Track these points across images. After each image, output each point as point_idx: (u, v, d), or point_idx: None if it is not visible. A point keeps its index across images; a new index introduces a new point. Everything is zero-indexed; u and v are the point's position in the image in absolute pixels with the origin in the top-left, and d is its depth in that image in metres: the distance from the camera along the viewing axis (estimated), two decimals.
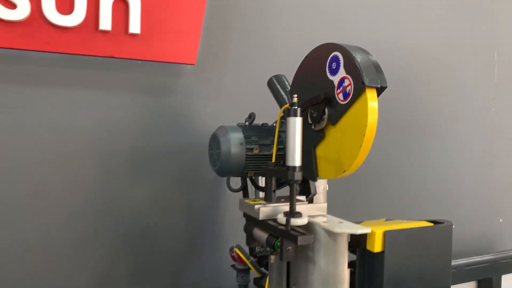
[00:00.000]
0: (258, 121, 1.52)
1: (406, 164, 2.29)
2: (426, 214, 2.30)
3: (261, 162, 1.37)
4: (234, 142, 1.35)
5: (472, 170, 2.49)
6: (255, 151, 1.37)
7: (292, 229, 1.06)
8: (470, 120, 2.47)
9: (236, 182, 1.51)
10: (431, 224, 1.15)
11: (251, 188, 1.52)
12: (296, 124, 1.10)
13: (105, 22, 1.56)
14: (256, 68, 1.87)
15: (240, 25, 1.86)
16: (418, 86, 2.30)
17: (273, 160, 1.25)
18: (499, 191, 2.58)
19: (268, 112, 1.48)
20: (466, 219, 2.46)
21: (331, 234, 1.09)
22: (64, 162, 1.59)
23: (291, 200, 1.10)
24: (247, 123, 1.49)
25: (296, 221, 1.07)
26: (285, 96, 1.42)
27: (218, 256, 1.82)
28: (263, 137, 1.40)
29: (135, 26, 1.60)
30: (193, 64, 1.74)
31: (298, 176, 1.08)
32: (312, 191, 1.34)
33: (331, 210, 1.38)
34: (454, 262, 1.80)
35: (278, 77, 1.46)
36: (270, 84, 1.47)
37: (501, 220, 2.60)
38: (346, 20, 2.11)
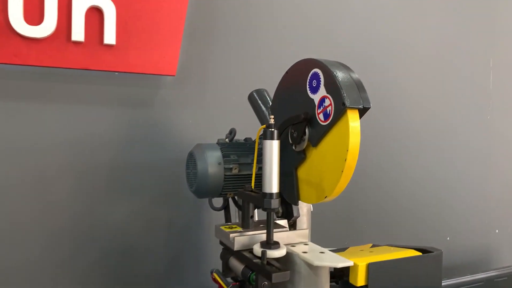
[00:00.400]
0: (242, 135, 1.44)
1: (399, 174, 2.21)
2: (420, 227, 2.26)
3: (241, 183, 1.29)
4: (212, 162, 1.27)
5: (468, 180, 2.42)
6: (235, 171, 1.29)
7: (268, 263, 0.98)
8: (465, 129, 2.40)
9: (219, 199, 1.43)
10: (419, 254, 1.07)
11: (233, 207, 1.44)
12: (273, 148, 1.02)
13: (78, 32, 1.48)
14: (240, 79, 1.79)
15: (222, 34, 1.78)
16: (412, 94, 2.23)
17: (253, 185, 1.16)
18: (495, 201, 2.51)
19: (252, 125, 1.40)
20: (462, 230, 2.40)
21: (312, 266, 1.01)
22: (37, 180, 1.51)
23: (268, 229, 1.02)
24: (227, 139, 1.41)
25: (273, 253, 0.99)
26: (266, 112, 1.34)
27: (201, 277, 1.73)
28: (244, 156, 1.32)
29: (110, 36, 1.52)
30: (173, 75, 1.66)
31: (275, 204, 1.00)
32: (295, 214, 1.26)
33: (316, 229, 1.31)
34: (445, 282, 1.72)
35: (259, 92, 1.38)
36: (251, 99, 1.39)
37: (497, 231, 2.53)
38: (337, 29, 2.03)
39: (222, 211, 1.43)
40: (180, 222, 1.72)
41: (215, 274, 1.34)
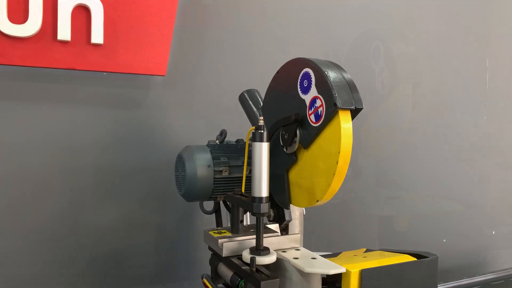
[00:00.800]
0: (234, 136, 1.40)
1: (394, 176, 2.18)
2: (416, 228, 2.22)
3: (231, 186, 1.26)
4: (201, 164, 1.24)
5: (464, 181, 2.39)
6: (225, 174, 1.26)
7: (257, 270, 0.94)
8: (461, 129, 2.37)
9: (211, 202, 1.39)
10: (414, 259, 1.04)
11: (225, 210, 1.40)
12: (262, 150, 0.98)
13: (64, 31, 1.44)
14: (231, 79, 1.75)
15: (213, 33, 1.75)
16: (408, 94, 2.20)
17: (243, 188, 1.12)
18: (491, 203, 2.48)
19: (244, 126, 1.36)
20: (458, 232, 2.37)
21: (303, 273, 0.98)
22: (21, 183, 1.47)
23: (257, 234, 0.98)
24: (218, 141, 1.37)
25: (263, 260, 0.95)
26: (257, 113, 1.30)
27: (192, 281, 1.70)
28: (234, 158, 1.29)
29: (97, 35, 1.48)
30: (163, 75, 1.62)
31: (264, 208, 0.97)
32: (287, 217, 1.22)
33: (309, 233, 1.27)
34: (441, 286, 1.69)
35: (250, 92, 1.35)
36: (242, 99, 1.36)
37: (493, 233, 2.50)
38: (331, 28, 1.99)
39: (214, 215, 1.39)
40: (170, 225, 1.69)
41: (205, 280, 1.30)
